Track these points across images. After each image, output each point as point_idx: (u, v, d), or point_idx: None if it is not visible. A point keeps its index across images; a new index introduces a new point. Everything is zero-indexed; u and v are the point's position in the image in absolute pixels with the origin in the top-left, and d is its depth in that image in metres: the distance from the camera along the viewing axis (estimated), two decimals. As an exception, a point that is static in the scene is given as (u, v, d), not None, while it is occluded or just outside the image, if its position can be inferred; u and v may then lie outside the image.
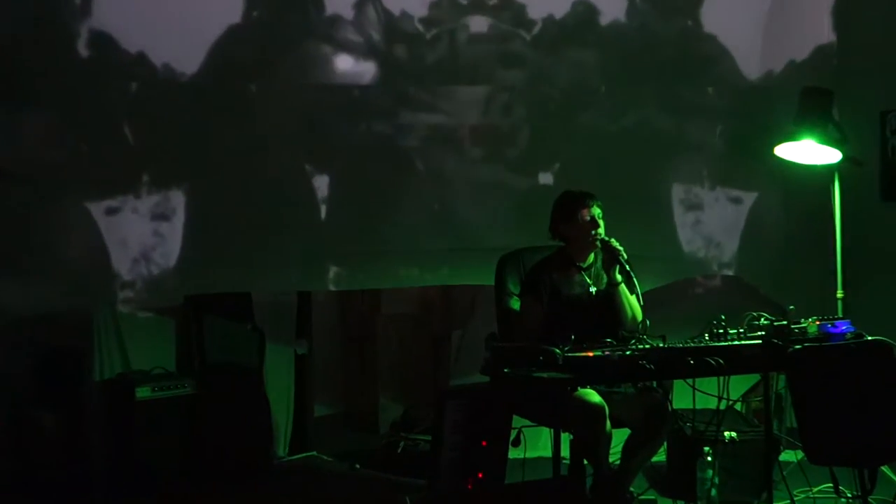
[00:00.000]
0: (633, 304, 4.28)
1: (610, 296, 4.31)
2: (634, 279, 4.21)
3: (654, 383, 4.19)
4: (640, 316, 4.22)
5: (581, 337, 3.79)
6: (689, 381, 4.04)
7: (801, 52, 5.61)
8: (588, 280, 4.36)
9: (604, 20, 5.42)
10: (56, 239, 4.84)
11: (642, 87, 5.50)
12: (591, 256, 4.37)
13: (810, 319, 3.96)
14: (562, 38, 5.39)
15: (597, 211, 4.28)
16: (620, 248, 4.21)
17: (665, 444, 4.59)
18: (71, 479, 4.86)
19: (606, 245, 4.24)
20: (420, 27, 5.24)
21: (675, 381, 4.33)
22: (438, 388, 5.68)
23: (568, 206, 4.32)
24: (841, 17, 5.61)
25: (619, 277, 4.27)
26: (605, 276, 4.34)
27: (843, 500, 4.31)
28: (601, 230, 4.27)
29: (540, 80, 5.42)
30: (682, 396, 4.28)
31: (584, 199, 4.29)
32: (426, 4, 5.22)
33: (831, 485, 4.25)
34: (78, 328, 5.03)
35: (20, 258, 4.78)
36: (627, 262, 4.21)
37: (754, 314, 3.98)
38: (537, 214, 5.33)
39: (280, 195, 5.18)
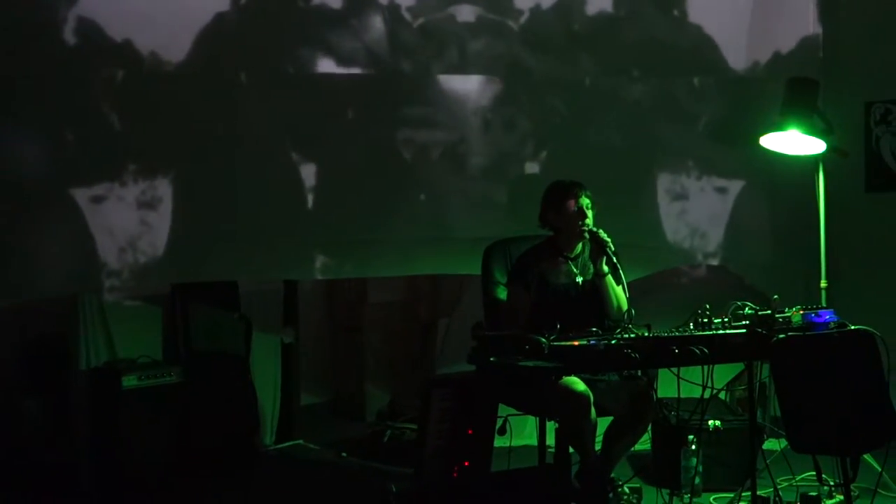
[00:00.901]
0: (619, 295, 4.30)
1: (596, 286, 4.33)
2: (621, 270, 4.23)
3: (639, 372, 4.21)
4: (625, 306, 4.24)
5: (567, 326, 3.81)
6: (674, 369, 4.05)
7: (787, 43, 5.63)
8: (575, 270, 4.37)
9: (590, 10, 5.42)
10: (41, 227, 4.82)
11: (628, 76, 5.51)
12: (579, 247, 4.39)
13: (794, 309, 3.98)
14: (548, 27, 5.39)
15: (585, 201, 4.30)
16: (608, 240, 4.23)
17: (650, 432, 4.62)
18: (57, 468, 4.86)
19: (594, 236, 4.26)
20: (407, 16, 5.23)
21: (660, 370, 4.34)
22: (425, 377, 5.69)
23: (557, 196, 4.34)
24: (826, 8, 5.63)
25: (605, 269, 4.29)
26: (591, 267, 4.35)
27: (825, 488, 4.34)
28: (589, 220, 4.29)
29: (526, 69, 5.41)
30: (667, 385, 4.30)
31: (573, 189, 4.31)
32: (414, -7, 5.22)
33: (814, 473, 4.29)
34: (64, 316, 5.02)
35: (5, 246, 4.76)
36: (615, 253, 4.23)
37: (739, 303, 4.00)
38: (524, 204, 5.34)
39: (267, 184, 5.16)
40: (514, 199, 5.41)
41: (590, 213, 4.29)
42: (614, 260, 4.22)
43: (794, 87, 4.90)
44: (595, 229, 4.27)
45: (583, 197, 4.30)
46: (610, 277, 4.30)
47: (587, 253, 4.38)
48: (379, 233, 5.29)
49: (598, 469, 4.16)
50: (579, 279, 4.36)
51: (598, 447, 4.24)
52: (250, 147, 5.12)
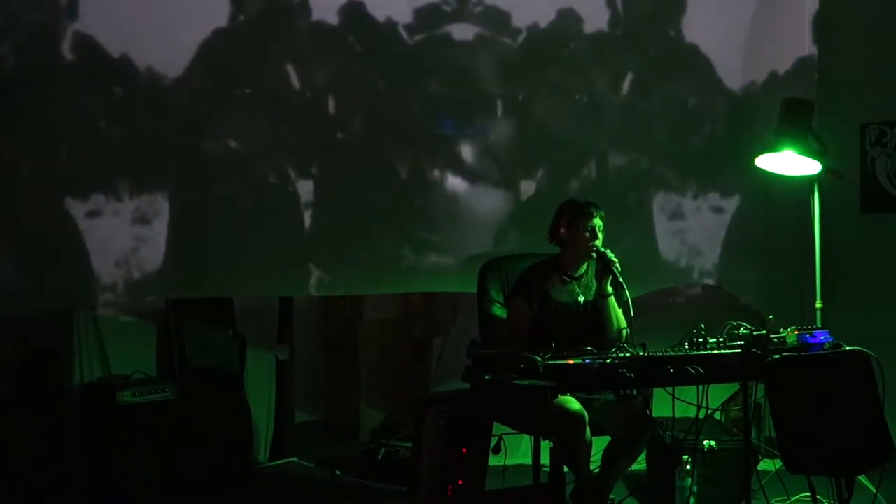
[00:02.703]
0: (619, 316, 4.29)
1: (597, 307, 4.32)
2: (627, 292, 4.20)
3: (635, 391, 4.20)
4: (626, 329, 4.21)
5: (565, 345, 3.80)
6: (669, 389, 4.04)
7: (783, 64, 5.65)
8: (577, 289, 4.36)
9: (588, 29, 5.44)
10: (36, 241, 4.81)
11: (625, 96, 5.52)
12: (584, 266, 4.38)
13: (789, 329, 3.98)
14: (546, 46, 5.40)
15: (599, 223, 4.28)
16: (615, 260, 4.22)
17: (644, 452, 4.61)
18: (50, 485, 4.82)
19: (602, 256, 4.25)
20: (405, 34, 5.24)
21: (655, 390, 4.34)
22: (419, 395, 5.67)
23: (571, 214, 4.31)
24: (821, 29, 5.65)
25: (609, 289, 4.29)
26: (594, 286, 4.35)
27: (820, 509, 4.34)
28: (598, 241, 4.28)
29: (524, 87, 5.43)
30: (662, 405, 4.29)
31: (589, 209, 4.29)
32: (411, 11, 5.23)
33: (809, 494, 4.28)
34: (58, 331, 5.00)
35: None
36: (621, 273, 4.21)
37: (734, 323, 4.00)
38: (520, 222, 5.37)
39: (263, 200, 5.17)
40: (510, 218, 5.42)
41: (601, 235, 4.29)
42: (620, 279, 4.21)
43: (789, 108, 4.90)
44: (603, 250, 4.26)
45: (597, 218, 4.29)
46: (612, 299, 4.29)
47: (591, 273, 4.37)
48: (374, 250, 5.30)
49: (594, 489, 4.14)
50: (581, 298, 4.35)
51: (593, 466, 4.22)
52: (247, 163, 5.13)
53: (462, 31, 5.29)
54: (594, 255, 4.27)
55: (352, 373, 6.48)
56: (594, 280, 4.35)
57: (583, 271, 4.39)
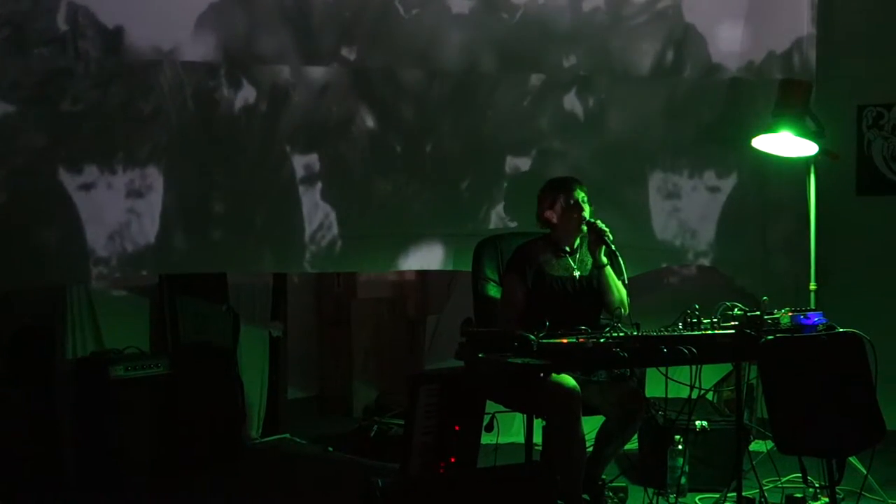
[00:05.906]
0: (619, 286, 4.27)
1: (593, 283, 4.31)
2: (621, 260, 4.19)
3: (628, 371, 4.20)
4: (626, 298, 4.22)
5: (563, 322, 3.79)
6: (662, 369, 4.05)
7: (781, 44, 5.62)
8: (573, 264, 4.35)
9: (586, 6, 5.41)
10: (29, 214, 4.79)
11: (622, 74, 5.50)
12: (577, 241, 4.37)
13: (783, 310, 3.97)
14: (543, 22, 5.37)
15: (580, 194, 4.28)
16: (606, 229, 4.21)
17: (637, 431, 4.62)
18: (41, 459, 4.83)
19: (592, 226, 4.23)
20: (400, 7, 5.20)
21: (648, 370, 4.34)
22: (412, 373, 5.68)
23: (552, 191, 4.32)
24: (820, 10, 5.63)
25: (604, 259, 4.27)
26: (589, 261, 4.33)
27: (811, 489, 4.35)
28: (586, 213, 4.27)
29: (519, 65, 5.40)
30: (655, 385, 4.30)
31: (568, 184, 4.30)
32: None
33: (800, 475, 4.30)
34: (51, 305, 5.00)
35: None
36: (613, 242, 4.20)
37: (728, 304, 3.99)
38: (515, 200, 5.35)
39: (258, 176, 5.15)
40: (506, 196, 5.40)
41: (586, 207, 4.28)
42: (613, 248, 4.20)
43: (786, 89, 4.89)
44: (593, 220, 4.25)
45: (578, 190, 4.28)
46: (609, 269, 4.28)
47: (585, 248, 4.36)
48: (369, 227, 5.28)
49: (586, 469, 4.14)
50: (577, 273, 4.34)
51: (587, 448, 4.22)
52: (242, 138, 5.10)
53: (459, 5, 5.25)
54: (585, 227, 4.26)
55: (345, 350, 6.49)
56: (588, 254, 4.34)
57: (576, 246, 4.38)
